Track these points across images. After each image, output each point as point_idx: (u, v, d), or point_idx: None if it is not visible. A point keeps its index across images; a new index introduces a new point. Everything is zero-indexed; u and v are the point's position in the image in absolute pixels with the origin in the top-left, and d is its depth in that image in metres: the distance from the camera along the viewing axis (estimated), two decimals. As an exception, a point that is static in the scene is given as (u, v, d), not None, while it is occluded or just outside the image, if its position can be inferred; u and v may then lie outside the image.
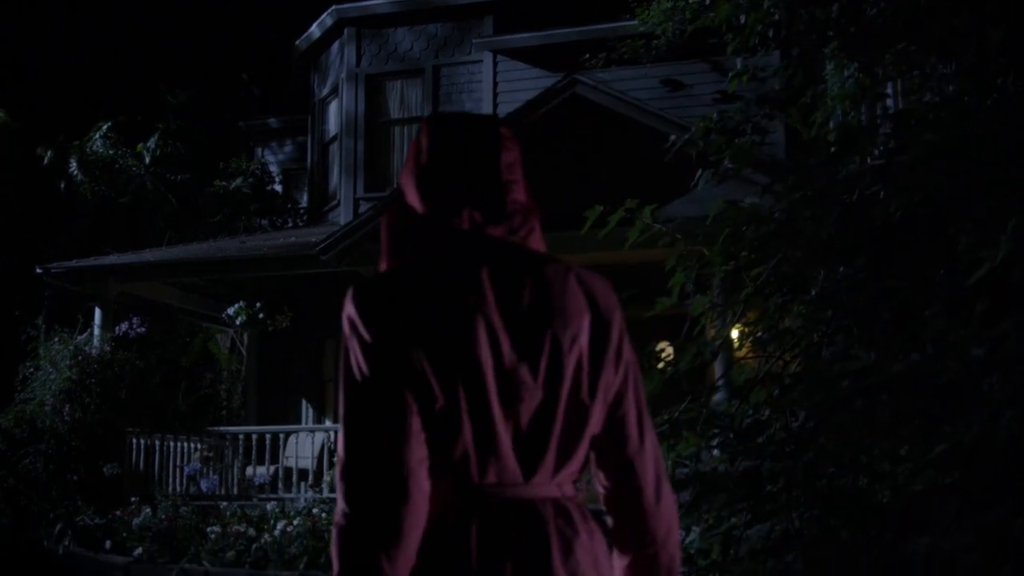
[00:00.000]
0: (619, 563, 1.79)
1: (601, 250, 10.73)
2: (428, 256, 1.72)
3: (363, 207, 13.73)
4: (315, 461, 11.80)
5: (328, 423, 13.22)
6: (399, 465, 1.60)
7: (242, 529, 9.96)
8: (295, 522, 9.79)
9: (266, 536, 9.69)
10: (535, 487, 1.67)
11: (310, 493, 11.18)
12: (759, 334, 3.89)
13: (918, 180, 3.05)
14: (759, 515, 3.21)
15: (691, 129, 4.75)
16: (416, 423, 1.62)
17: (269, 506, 10.68)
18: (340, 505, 1.63)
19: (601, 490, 1.80)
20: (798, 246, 3.67)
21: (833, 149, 3.74)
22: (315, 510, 10.05)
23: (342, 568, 1.59)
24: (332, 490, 10.81)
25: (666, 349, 3.87)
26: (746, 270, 3.88)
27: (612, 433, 1.75)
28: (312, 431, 12.33)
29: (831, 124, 5.03)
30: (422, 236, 1.74)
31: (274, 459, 11.91)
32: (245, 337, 14.24)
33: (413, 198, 1.77)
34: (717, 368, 6.84)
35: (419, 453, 1.62)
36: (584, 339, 1.70)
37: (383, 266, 1.78)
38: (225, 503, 10.99)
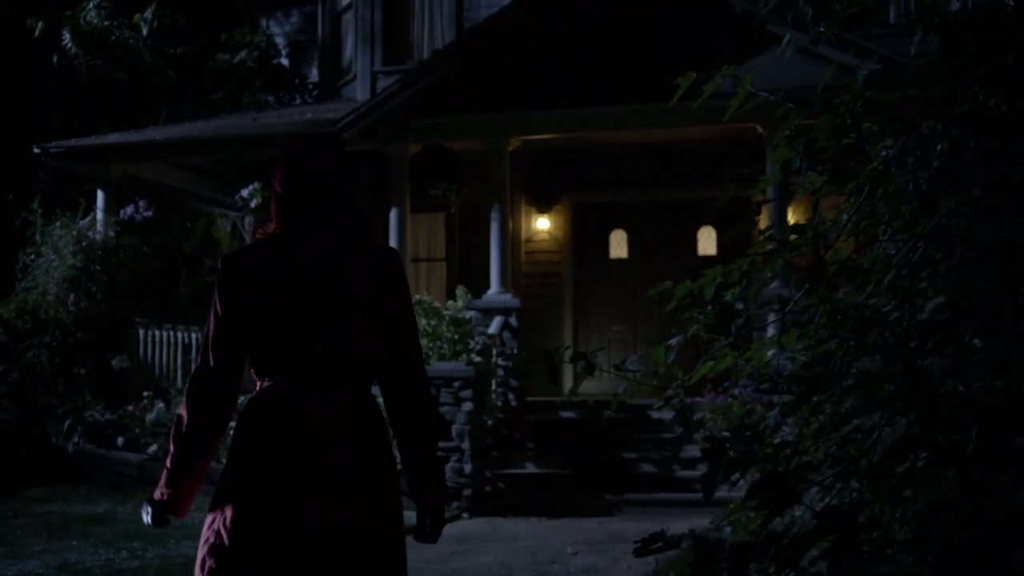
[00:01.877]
0: (396, 434, 2.83)
1: (640, 128, 10.11)
2: (280, 238, 2.77)
3: (382, 81, 13.01)
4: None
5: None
6: (227, 384, 2.81)
7: (261, 424, 9.53)
8: (316, 416, 9.36)
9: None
10: (337, 386, 2.71)
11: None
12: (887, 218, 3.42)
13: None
14: (903, 419, 2.76)
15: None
16: (247, 352, 2.78)
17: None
18: (183, 400, 2.82)
19: (380, 386, 2.81)
20: (941, 115, 3.16)
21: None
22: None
23: (175, 444, 2.81)
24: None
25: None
26: (870, 144, 3.39)
27: (386, 350, 2.77)
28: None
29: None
30: (282, 222, 2.78)
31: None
32: (247, 222, 13.58)
33: (279, 192, 2.79)
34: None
35: (240, 376, 2.79)
36: (367, 293, 2.74)
37: (268, 228, 2.81)
38: (242, 398, 10.48)
